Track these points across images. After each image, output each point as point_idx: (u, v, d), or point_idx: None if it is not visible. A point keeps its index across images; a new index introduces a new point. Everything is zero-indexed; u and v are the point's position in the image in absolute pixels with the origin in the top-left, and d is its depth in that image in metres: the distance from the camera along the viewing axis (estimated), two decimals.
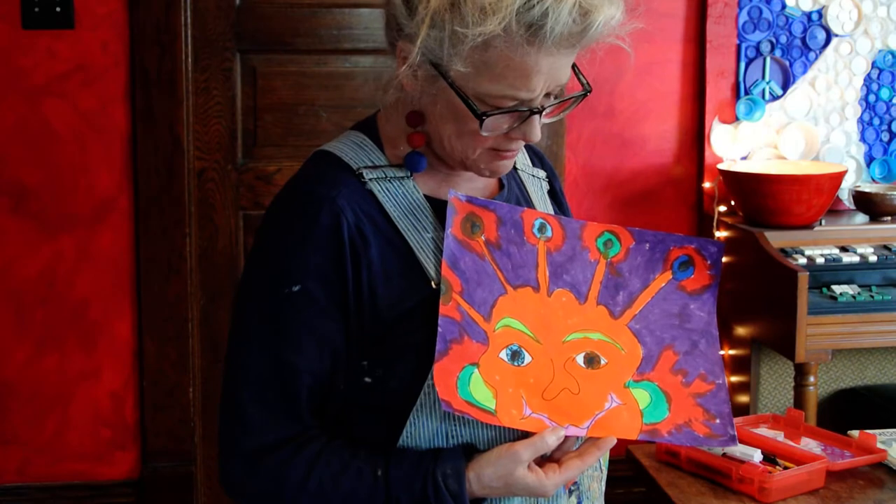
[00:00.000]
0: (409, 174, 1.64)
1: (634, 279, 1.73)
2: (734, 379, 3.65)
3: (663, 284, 1.74)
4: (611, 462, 1.87)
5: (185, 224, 3.68)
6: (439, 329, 1.56)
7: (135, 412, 3.72)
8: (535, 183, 1.83)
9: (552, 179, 1.88)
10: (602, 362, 1.67)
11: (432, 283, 1.59)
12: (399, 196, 1.64)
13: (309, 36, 3.72)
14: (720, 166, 3.65)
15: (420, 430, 1.58)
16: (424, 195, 1.65)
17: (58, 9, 3.49)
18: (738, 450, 2.31)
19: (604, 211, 3.72)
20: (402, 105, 1.66)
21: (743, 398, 3.72)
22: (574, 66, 1.59)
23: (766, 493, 2.23)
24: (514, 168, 1.80)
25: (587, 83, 1.61)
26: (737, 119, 3.78)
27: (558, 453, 1.59)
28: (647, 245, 1.74)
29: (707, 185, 3.76)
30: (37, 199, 3.59)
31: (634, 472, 2.45)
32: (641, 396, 1.66)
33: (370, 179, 1.62)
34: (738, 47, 3.78)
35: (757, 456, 2.31)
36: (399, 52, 1.57)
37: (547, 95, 1.58)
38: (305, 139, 3.77)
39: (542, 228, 1.69)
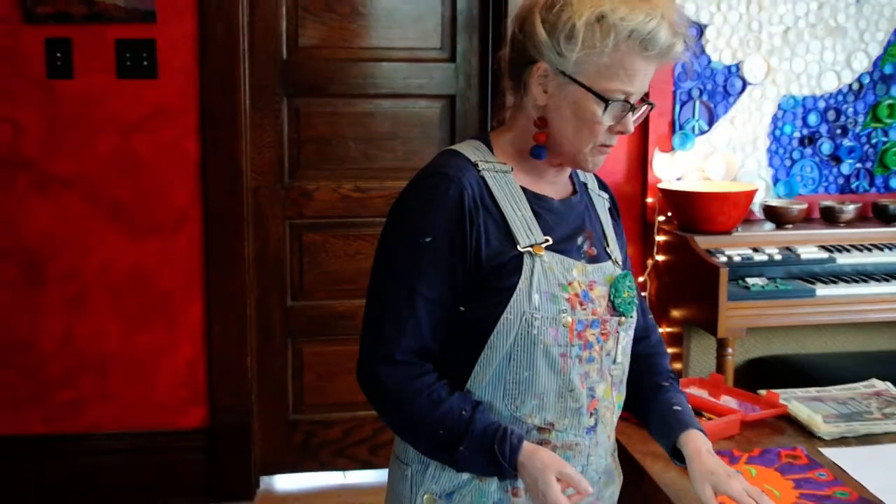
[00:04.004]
0: (510, 169, 1.84)
1: None
2: (671, 350, 3.55)
3: None
4: None
5: (244, 232, 3.81)
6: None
7: (205, 377, 3.89)
8: (600, 201, 2.01)
9: (613, 202, 2.05)
10: None
11: (518, 247, 1.78)
12: (502, 184, 1.82)
13: (341, 84, 3.90)
14: (660, 185, 3.88)
15: (493, 355, 1.78)
16: (520, 186, 1.85)
17: (145, 63, 3.69)
18: None
19: None
20: (516, 125, 1.87)
21: (677, 365, 3.87)
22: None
23: None
24: (586, 187, 1.99)
25: (650, 101, 1.84)
26: (673, 149, 3.97)
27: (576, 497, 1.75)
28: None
29: (650, 200, 3.96)
30: (129, 211, 3.75)
31: (634, 471, 2.32)
32: None
33: (484, 170, 1.82)
34: (674, 93, 3.97)
35: None
36: (535, 72, 1.77)
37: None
38: (337, 164, 3.95)
39: None
